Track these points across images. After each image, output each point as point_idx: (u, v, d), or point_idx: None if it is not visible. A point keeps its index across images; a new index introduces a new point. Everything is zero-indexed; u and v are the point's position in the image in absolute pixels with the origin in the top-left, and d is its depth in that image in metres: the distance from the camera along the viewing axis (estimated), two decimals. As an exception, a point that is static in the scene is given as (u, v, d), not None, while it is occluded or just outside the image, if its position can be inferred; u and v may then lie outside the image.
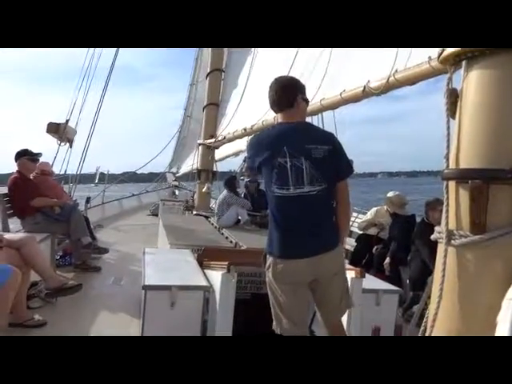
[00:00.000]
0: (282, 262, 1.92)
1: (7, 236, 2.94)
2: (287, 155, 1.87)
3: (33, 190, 4.23)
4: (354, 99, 3.07)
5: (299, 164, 1.87)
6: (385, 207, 4.69)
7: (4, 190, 4.31)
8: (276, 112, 2.05)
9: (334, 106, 3.46)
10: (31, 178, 4.46)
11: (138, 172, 14.66)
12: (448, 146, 1.04)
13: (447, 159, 1.04)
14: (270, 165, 1.90)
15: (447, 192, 1.04)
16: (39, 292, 3.18)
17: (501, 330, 0.83)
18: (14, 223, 4.43)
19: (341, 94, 3.14)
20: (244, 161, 8.87)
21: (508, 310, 0.83)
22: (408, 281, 3.83)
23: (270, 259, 1.96)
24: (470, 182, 0.96)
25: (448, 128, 1.05)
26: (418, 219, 4.18)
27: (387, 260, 4.04)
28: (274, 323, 2.02)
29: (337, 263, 2.01)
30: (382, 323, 2.43)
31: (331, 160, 1.91)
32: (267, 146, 1.93)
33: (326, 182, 1.90)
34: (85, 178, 8.08)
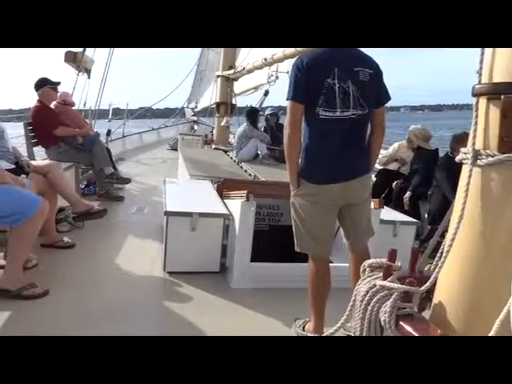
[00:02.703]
0: (316, 187, 1.94)
1: (34, 163, 3.03)
2: (336, 77, 1.84)
3: (55, 119, 4.28)
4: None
5: (346, 87, 1.85)
6: (404, 142, 4.59)
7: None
8: None
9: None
10: (52, 107, 4.48)
11: (154, 107, 14.48)
12: (482, 61, 0.98)
13: (480, 74, 0.98)
14: (318, 86, 1.84)
15: (477, 110, 0.99)
16: (67, 217, 3.34)
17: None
18: (39, 155, 4.55)
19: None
20: (265, 94, 8.67)
21: None
22: (427, 215, 3.84)
23: (303, 182, 1.96)
24: (503, 97, 0.91)
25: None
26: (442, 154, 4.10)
27: (407, 194, 4.02)
28: (296, 242, 2.07)
29: (368, 189, 2.07)
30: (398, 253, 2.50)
31: (373, 84, 1.91)
32: (318, 67, 1.85)
33: (367, 106, 1.91)
34: (100, 114, 8.10)
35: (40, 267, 2.69)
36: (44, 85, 4.31)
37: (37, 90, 4.32)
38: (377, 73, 1.94)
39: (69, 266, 2.82)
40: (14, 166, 2.72)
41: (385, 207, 2.84)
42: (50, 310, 2.19)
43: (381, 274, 1.15)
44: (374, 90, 1.93)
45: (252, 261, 2.67)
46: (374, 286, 1.12)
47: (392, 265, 1.14)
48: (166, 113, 17.05)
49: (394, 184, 4.40)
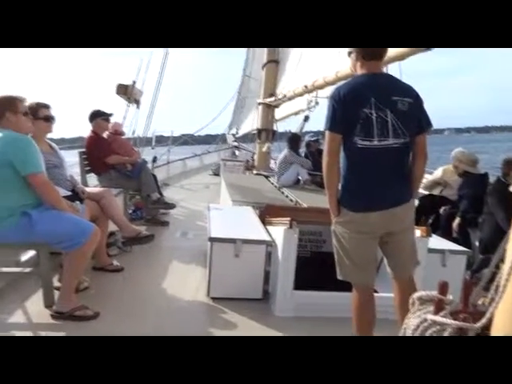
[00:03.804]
0: (356, 215, 1.94)
1: (88, 189, 3.22)
2: (373, 106, 1.86)
3: (107, 149, 4.53)
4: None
5: (383, 116, 1.87)
6: (450, 167, 4.45)
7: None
8: (366, 60, 1.97)
9: (399, 58, 3.26)
10: (105, 136, 4.75)
11: (196, 134, 14.91)
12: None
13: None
14: (354, 115, 1.87)
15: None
16: (116, 241, 3.49)
17: None
18: (91, 179, 4.80)
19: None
20: (305, 120, 8.74)
21: None
22: (478, 243, 3.67)
23: (343, 210, 1.97)
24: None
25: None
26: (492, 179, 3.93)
27: (457, 220, 3.86)
28: (338, 271, 2.05)
29: (410, 217, 2.04)
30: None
31: (414, 113, 1.92)
32: (354, 97, 1.89)
33: (408, 135, 1.91)
34: (146, 141, 8.53)
35: (91, 289, 2.81)
36: (97, 116, 4.59)
37: (91, 121, 4.60)
38: (416, 101, 1.94)
39: (117, 289, 2.93)
40: (70, 193, 2.90)
41: (433, 235, 2.75)
42: (98, 333, 2.27)
43: (431, 308, 1.12)
44: (415, 118, 1.93)
45: (295, 288, 2.65)
46: (425, 320, 1.09)
47: (444, 298, 1.11)
48: (207, 139, 17.62)
49: (442, 210, 4.25)
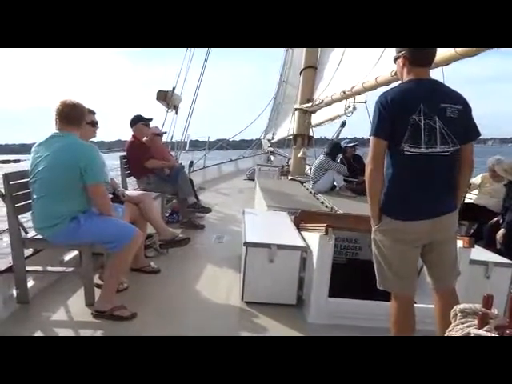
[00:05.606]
0: (399, 223, 1.91)
1: (128, 192, 3.32)
2: (422, 113, 1.83)
3: (146, 153, 4.66)
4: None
5: (432, 123, 1.83)
6: (487, 174, 4.32)
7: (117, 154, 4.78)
8: (414, 66, 1.93)
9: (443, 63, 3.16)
10: (144, 141, 4.89)
11: (231, 139, 15.02)
12: None
13: None
14: (402, 122, 1.84)
15: None
16: (154, 243, 3.58)
17: None
18: (130, 183, 4.96)
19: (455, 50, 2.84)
20: (341, 126, 8.64)
21: None
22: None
23: (385, 218, 1.94)
24: None
25: None
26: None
27: (501, 231, 3.69)
28: (378, 280, 2.02)
29: (454, 226, 2.00)
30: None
31: (462, 120, 1.87)
32: (402, 103, 1.86)
33: (456, 142, 1.87)
34: (183, 146, 8.70)
35: (129, 290, 2.90)
36: (138, 121, 4.74)
37: (132, 126, 4.76)
38: (465, 108, 1.89)
39: (154, 290, 3.00)
40: (111, 196, 3.00)
41: (475, 246, 2.64)
42: (135, 333, 2.33)
43: (475, 322, 1.08)
44: (463, 126, 1.89)
45: (329, 295, 2.61)
46: (469, 334, 1.05)
47: (488, 312, 1.06)
48: (241, 144, 17.80)
49: (495, 221, 4.07)
